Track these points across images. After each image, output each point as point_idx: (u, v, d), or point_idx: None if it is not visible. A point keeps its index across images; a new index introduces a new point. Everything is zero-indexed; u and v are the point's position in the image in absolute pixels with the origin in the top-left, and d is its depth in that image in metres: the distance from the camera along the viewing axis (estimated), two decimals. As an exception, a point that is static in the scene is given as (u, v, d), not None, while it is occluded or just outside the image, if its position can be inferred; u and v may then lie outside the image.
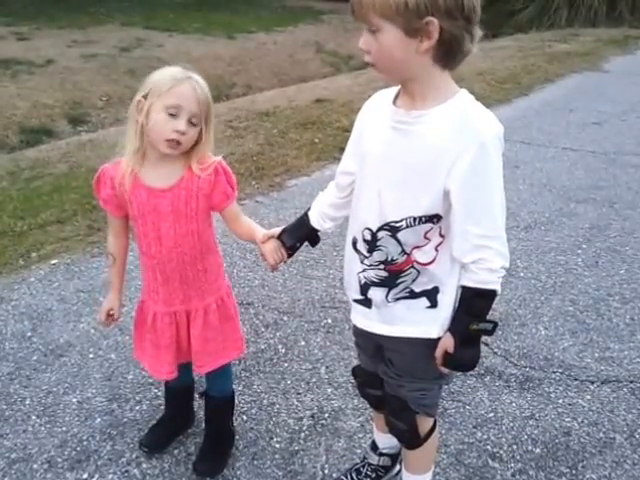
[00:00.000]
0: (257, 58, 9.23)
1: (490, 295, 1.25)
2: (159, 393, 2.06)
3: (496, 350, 2.34)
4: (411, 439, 1.51)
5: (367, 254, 1.32)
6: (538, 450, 1.89)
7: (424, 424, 1.50)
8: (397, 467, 1.75)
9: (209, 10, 12.44)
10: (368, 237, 1.31)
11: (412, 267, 1.29)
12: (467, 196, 1.18)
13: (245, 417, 2.01)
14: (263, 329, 2.48)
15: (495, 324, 1.28)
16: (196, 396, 1.99)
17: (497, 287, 1.24)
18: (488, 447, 1.90)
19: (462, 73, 6.46)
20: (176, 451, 1.88)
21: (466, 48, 1.17)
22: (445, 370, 1.34)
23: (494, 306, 2.59)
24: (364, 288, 1.37)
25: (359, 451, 1.87)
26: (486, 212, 1.20)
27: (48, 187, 3.89)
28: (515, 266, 2.94)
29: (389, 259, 1.30)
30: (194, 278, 1.63)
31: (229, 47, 9.51)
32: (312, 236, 1.55)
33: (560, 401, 2.10)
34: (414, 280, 1.30)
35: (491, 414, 2.03)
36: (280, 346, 2.38)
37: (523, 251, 3.11)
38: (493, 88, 6.40)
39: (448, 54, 1.16)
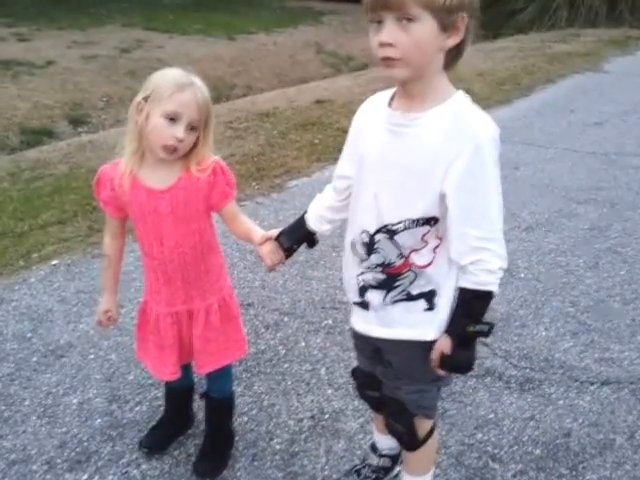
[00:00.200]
0: (257, 59, 9.23)
1: (488, 296, 1.25)
2: (159, 394, 2.06)
3: (496, 351, 2.34)
4: (410, 441, 1.51)
5: (365, 257, 1.32)
6: (538, 451, 1.89)
7: (423, 426, 1.49)
8: (397, 468, 1.74)
9: (209, 11, 12.45)
10: (366, 240, 1.31)
11: (410, 270, 1.29)
12: (464, 199, 1.18)
13: (245, 418, 2.01)
14: (263, 330, 2.48)
15: (491, 326, 1.28)
16: (196, 397, 1.99)
17: (495, 288, 1.24)
18: (488, 448, 1.90)
19: (462, 74, 6.47)
20: (176, 452, 1.88)
21: (467, 48, 1.17)
22: (441, 372, 1.34)
23: (495, 307, 2.59)
24: (362, 291, 1.37)
25: (359, 452, 1.86)
26: (483, 214, 1.20)
27: (48, 188, 3.90)
28: (516, 267, 2.94)
29: (387, 262, 1.29)
30: (196, 278, 1.63)
31: (229, 48, 9.51)
32: (310, 238, 1.55)
33: (560, 402, 2.10)
34: (411, 283, 1.30)
35: (491, 415, 2.03)
36: (280, 347, 2.38)
37: (524, 252, 3.11)
38: (493, 89, 6.40)
39: (458, 54, 1.17)
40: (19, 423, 1.98)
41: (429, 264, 1.28)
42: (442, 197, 1.19)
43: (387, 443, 1.68)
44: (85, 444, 1.90)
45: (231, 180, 1.60)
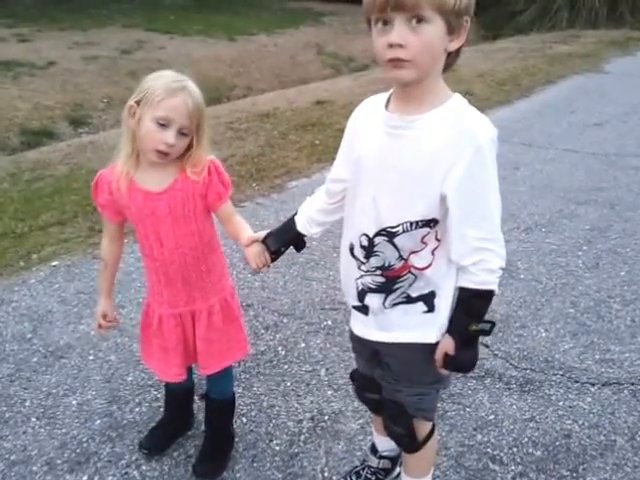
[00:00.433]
0: (258, 60, 9.24)
1: (489, 295, 1.25)
2: (159, 395, 2.06)
3: (496, 352, 2.34)
4: (409, 443, 1.50)
5: (364, 260, 1.32)
6: (539, 453, 1.89)
7: (422, 428, 1.49)
8: (397, 470, 1.74)
9: (210, 12, 12.46)
10: (365, 243, 1.30)
11: (409, 272, 1.29)
12: (464, 200, 1.18)
13: (245, 419, 2.01)
14: (263, 331, 2.48)
15: (493, 324, 1.29)
16: (196, 398, 1.99)
17: (495, 287, 1.25)
18: (488, 450, 1.89)
19: (463, 75, 6.48)
20: (176, 453, 1.87)
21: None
22: (445, 372, 1.35)
23: (495, 308, 2.59)
24: (361, 294, 1.36)
25: (359, 453, 1.86)
26: (484, 215, 1.20)
27: (49, 189, 3.90)
28: (516, 268, 2.94)
29: (386, 265, 1.29)
30: (197, 279, 1.63)
31: (230, 49, 9.51)
32: (298, 241, 1.54)
33: (561, 403, 2.09)
34: (411, 285, 1.30)
35: (491, 416, 2.03)
36: (280, 348, 2.37)
37: (524, 253, 3.10)
38: (494, 90, 6.40)
39: (457, 56, 1.18)
40: (19, 424, 1.98)
41: (428, 266, 1.28)
42: (443, 199, 1.19)
43: (387, 445, 1.68)
44: (85, 445, 1.90)
45: (226, 180, 1.59)
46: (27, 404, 2.07)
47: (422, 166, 1.19)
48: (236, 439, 1.90)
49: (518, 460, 1.86)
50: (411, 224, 1.23)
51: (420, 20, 1.08)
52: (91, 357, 2.31)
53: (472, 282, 1.24)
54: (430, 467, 1.62)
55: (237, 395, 2.00)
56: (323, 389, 2.15)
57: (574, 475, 1.81)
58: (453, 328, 1.30)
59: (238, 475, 1.80)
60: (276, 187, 3.93)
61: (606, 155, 4.59)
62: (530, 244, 3.20)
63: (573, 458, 1.87)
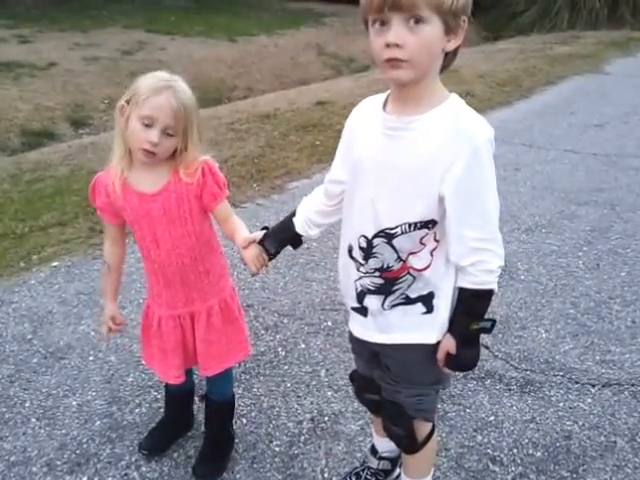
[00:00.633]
0: (258, 61, 9.23)
1: (488, 295, 1.26)
2: (159, 396, 2.06)
3: (497, 353, 2.34)
4: (409, 444, 1.50)
5: (363, 261, 1.32)
6: (539, 454, 1.89)
7: (422, 429, 1.49)
8: (397, 471, 1.74)
9: (211, 13, 12.45)
10: (364, 244, 1.30)
11: (408, 273, 1.29)
12: (462, 201, 1.18)
13: (245, 420, 2.01)
14: (263, 332, 2.48)
15: (493, 322, 1.30)
16: (196, 399, 1.99)
17: (495, 287, 1.25)
18: (489, 451, 1.89)
19: (463, 75, 6.48)
20: (175, 454, 1.87)
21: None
22: (447, 371, 1.35)
23: (495, 309, 2.59)
24: (360, 296, 1.36)
25: (359, 454, 1.86)
26: (482, 216, 1.20)
27: (49, 189, 3.90)
28: (516, 269, 2.93)
29: (385, 266, 1.29)
30: (195, 280, 1.63)
31: (230, 50, 9.51)
32: (295, 240, 1.53)
33: (561, 404, 2.09)
34: (410, 286, 1.30)
35: (492, 417, 2.03)
36: (280, 349, 2.37)
37: (524, 254, 3.10)
38: (494, 90, 6.40)
39: (454, 57, 1.18)
40: (19, 425, 1.98)
41: (427, 267, 1.28)
42: (441, 200, 1.19)
43: (386, 446, 1.68)
44: (85, 446, 1.90)
45: (220, 180, 1.58)
46: (27, 405, 2.07)
47: (420, 167, 1.19)
48: (236, 440, 1.90)
49: (518, 461, 1.86)
50: (410, 225, 1.23)
51: (418, 20, 1.08)
52: (91, 358, 2.31)
53: (471, 282, 1.24)
54: (430, 468, 1.62)
55: (237, 396, 2.00)
56: (323, 390, 2.15)
57: (574, 476, 1.81)
58: (454, 328, 1.31)
59: (238, 476, 1.80)
60: (276, 188, 3.93)
61: (607, 156, 4.59)
62: (530, 245, 3.20)
63: (573, 459, 1.86)
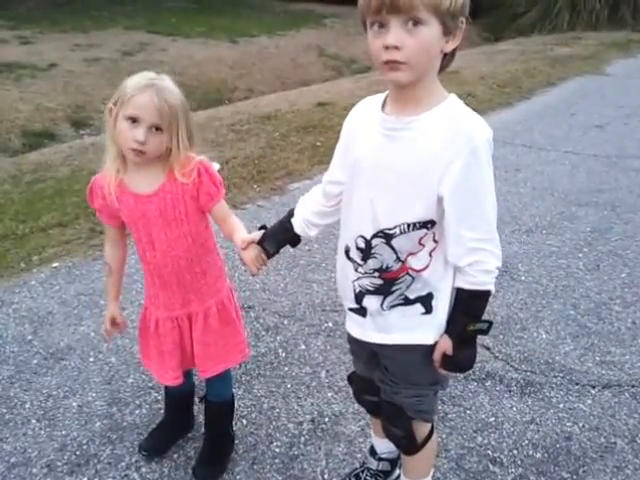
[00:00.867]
0: (259, 62, 9.24)
1: (486, 295, 1.26)
2: (159, 397, 2.06)
3: (497, 354, 2.34)
4: (408, 445, 1.50)
5: (361, 262, 1.32)
6: (539, 455, 1.88)
7: (421, 430, 1.49)
8: (396, 472, 1.74)
9: (211, 14, 12.46)
10: (362, 245, 1.30)
11: (407, 274, 1.29)
12: (460, 201, 1.18)
13: (245, 421, 2.01)
14: (264, 333, 2.48)
15: (490, 323, 1.30)
16: (196, 400, 1.99)
17: (492, 287, 1.26)
18: (489, 452, 1.89)
19: (464, 77, 6.48)
20: (175, 455, 1.87)
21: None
22: (444, 372, 1.35)
23: (495, 310, 2.58)
24: (359, 297, 1.36)
25: (359, 455, 1.86)
26: (479, 216, 1.20)
27: (50, 190, 3.90)
28: (516, 270, 2.93)
29: (384, 266, 1.29)
30: (192, 281, 1.63)
31: (231, 51, 9.52)
32: (294, 240, 1.53)
33: (561, 405, 2.09)
34: (408, 287, 1.30)
35: (492, 419, 2.03)
36: (280, 350, 2.37)
37: (524, 255, 3.10)
38: (495, 92, 6.40)
39: (452, 58, 1.19)
40: (19, 426, 1.99)
41: (426, 267, 1.28)
42: (440, 200, 1.19)
43: (386, 447, 1.68)
44: (85, 447, 1.90)
45: (217, 180, 1.57)
46: (27, 406, 2.07)
47: (419, 167, 1.19)
48: (236, 441, 1.90)
49: (518, 462, 1.86)
50: (408, 225, 1.24)
51: (416, 22, 1.08)
52: (91, 359, 2.31)
53: (469, 283, 1.24)
54: (429, 469, 1.62)
55: (237, 397, 2.00)
56: (323, 391, 2.15)
57: (574, 477, 1.81)
58: (451, 328, 1.31)
59: (238, 477, 1.80)
60: (277, 189, 3.93)
61: (607, 157, 4.59)
62: (531, 246, 3.20)
63: (573, 460, 1.86)
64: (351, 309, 1.40)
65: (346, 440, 1.93)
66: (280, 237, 1.52)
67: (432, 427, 1.53)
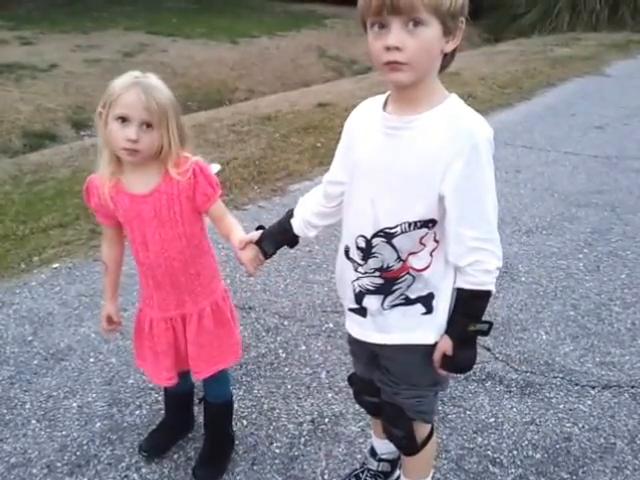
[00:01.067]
0: (260, 63, 9.25)
1: (486, 296, 1.26)
2: (159, 398, 2.06)
3: (497, 355, 2.34)
4: (408, 446, 1.50)
5: (361, 262, 1.32)
6: (539, 455, 1.89)
7: (421, 430, 1.49)
8: (397, 472, 1.74)
9: (212, 15, 12.47)
10: (362, 245, 1.30)
11: (408, 273, 1.29)
12: (461, 200, 1.19)
13: (245, 422, 2.01)
14: (264, 333, 2.48)
15: (490, 324, 1.30)
16: (196, 401, 1.99)
17: (493, 287, 1.25)
18: (488, 452, 1.89)
19: (464, 78, 6.48)
20: (176, 456, 1.88)
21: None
22: (444, 373, 1.35)
23: (496, 311, 2.58)
24: (359, 297, 1.36)
25: (359, 456, 1.86)
26: (480, 215, 1.21)
27: (51, 191, 3.91)
28: (516, 270, 2.94)
29: (385, 266, 1.29)
30: (186, 282, 1.62)
31: (232, 52, 9.53)
32: (292, 241, 1.54)
33: (561, 406, 2.09)
34: (409, 286, 1.30)
35: (492, 419, 2.03)
36: (281, 350, 2.38)
37: (524, 255, 3.10)
38: (495, 92, 6.40)
39: (452, 58, 1.19)
40: (19, 426, 1.99)
41: (427, 267, 1.28)
42: (441, 199, 1.20)
43: (386, 447, 1.68)
44: (85, 448, 1.90)
45: (213, 180, 1.57)
46: (27, 407, 2.07)
47: (420, 166, 1.19)
48: (236, 442, 1.91)
49: (518, 463, 1.86)
50: (409, 225, 1.24)
51: (417, 23, 1.09)
52: (92, 360, 2.32)
53: (469, 283, 1.24)
54: (429, 469, 1.62)
55: (237, 398, 2.01)
56: (324, 392, 2.15)
57: (574, 478, 1.81)
58: (451, 329, 1.31)
59: (238, 478, 1.80)
60: (278, 190, 3.94)
61: (607, 158, 4.59)
62: (531, 247, 3.20)
63: (573, 461, 1.87)
64: (351, 309, 1.40)
65: (346, 441, 1.93)
66: (279, 238, 1.52)
67: (432, 428, 1.53)
